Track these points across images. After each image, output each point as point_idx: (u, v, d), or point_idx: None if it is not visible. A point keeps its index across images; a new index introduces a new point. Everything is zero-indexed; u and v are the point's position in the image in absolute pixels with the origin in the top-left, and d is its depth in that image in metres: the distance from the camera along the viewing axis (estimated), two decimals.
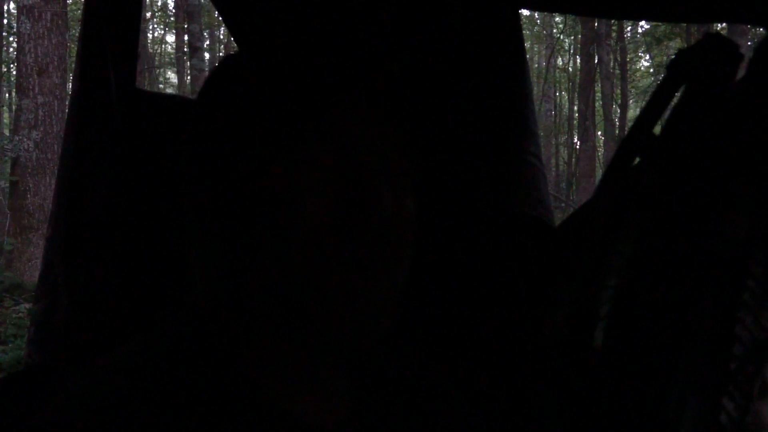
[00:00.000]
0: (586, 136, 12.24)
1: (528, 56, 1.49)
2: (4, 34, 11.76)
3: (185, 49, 13.84)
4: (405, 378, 0.61)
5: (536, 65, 18.99)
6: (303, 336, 0.49)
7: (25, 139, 6.19)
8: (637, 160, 0.76)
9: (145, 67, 13.32)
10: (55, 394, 0.47)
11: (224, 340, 0.50)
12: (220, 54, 18.74)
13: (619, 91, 14.44)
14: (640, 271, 0.69)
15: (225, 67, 0.54)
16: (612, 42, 13.60)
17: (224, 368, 0.49)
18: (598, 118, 14.43)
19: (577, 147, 14.29)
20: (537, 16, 17.44)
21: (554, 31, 17.73)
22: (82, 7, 0.98)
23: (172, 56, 18.81)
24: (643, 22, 14.57)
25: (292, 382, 0.51)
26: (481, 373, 0.91)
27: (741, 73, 0.76)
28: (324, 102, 0.49)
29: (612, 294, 0.69)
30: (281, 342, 0.50)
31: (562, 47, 19.15)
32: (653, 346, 0.67)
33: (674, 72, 0.76)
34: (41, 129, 6.22)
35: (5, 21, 11.87)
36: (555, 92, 19.45)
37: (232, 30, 1.32)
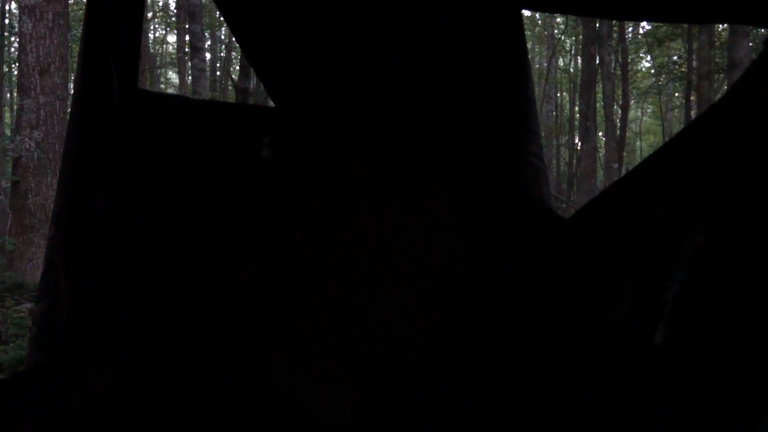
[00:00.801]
0: (588, 136, 12.22)
1: (529, 57, 1.49)
2: (6, 33, 11.76)
3: (186, 50, 13.83)
4: (415, 379, 0.61)
5: (537, 66, 18.98)
6: (338, 347, 0.50)
7: (26, 139, 6.20)
8: (708, 143, 0.71)
9: (147, 67, 13.32)
10: (59, 392, 0.47)
11: (257, 337, 0.50)
12: (222, 54, 18.72)
13: (620, 92, 14.42)
14: (710, 267, 0.64)
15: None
16: (613, 43, 13.59)
17: (252, 363, 0.49)
18: (600, 118, 14.41)
19: (578, 147, 14.28)
20: (538, 17, 17.42)
21: (555, 31, 17.71)
22: (84, 8, 0.98)
23: (174, 56, 18.80)
24: (644, 23, 14.56)
25: (311, 380, 0.51)
26: (490, 369, 0.90)
27: None
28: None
29: (678, 291, 0.65)
30: (310, 346, 0.50)
31: (564, 48, 19.13)
32: (722, 352, 0.62)
33: None
34: (43, 129, 6.23)
35: (7, 21, 11.87)
36: (556, 93, 19.43)
37: (234, 30, 1.32)
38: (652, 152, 0.98)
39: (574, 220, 1.12)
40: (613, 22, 11.92)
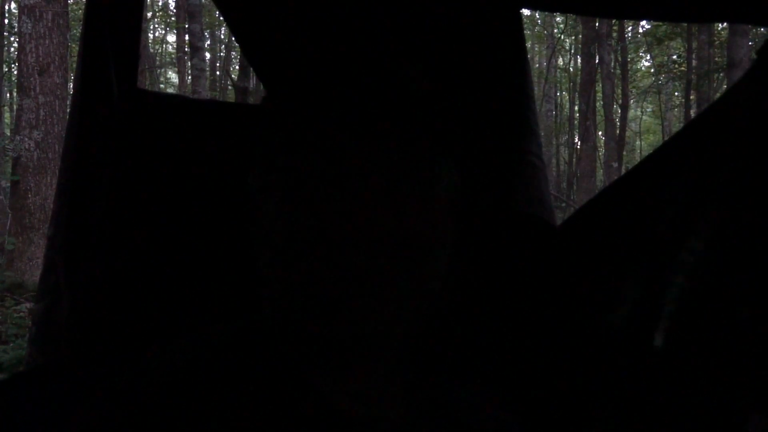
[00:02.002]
0: (587, 136, 12.23)
1: (529, 56, 1.49)
2: (6, 33, 11.77)
3: (186, 49, 13.84)
4: (450, 393, 0.62)
5: (537, 65, 19.00)
6: (344, 336, 0.52)
7: (26, 139, 6.20)
8: (711, 152, 0.71)
9: (146, 66, 13.32)
10: (59, 394, 0.48)
11: (288, 341, 0.54)
12: (221, 54, 18.73)
13: (619, 91, 14.43)
14: (710, 270, 0.64)
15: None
16: (613, 42, 13.60)
17: (285, 363, 0.52)
18: (599, 118, 14.42)
19: (578, 147, 14.29)
20: (538, 16, 17.43)
21: (555, 31, 17.73)
22: (83, 7, 0.98)
23: (173, 56, 18.82)
24: (644, 22, 14.57)
25: (346, 384, 0.53)
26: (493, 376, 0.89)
27: None
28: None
29: (678, 294, 0.65)
30: (328, 342, 0.53)
31: (563, 47, 19.15)
32: (718, 353, 0.62)
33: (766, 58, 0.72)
34: (42, 129, 6.23)
35: (6, 20, 11.88)
36: (556, 92, 19.43)
37: (233, 30, 1.32)
38: (651, 151, 0.98)
39: (572, 220, 1.12)
40: (613, 21, 11.93)
